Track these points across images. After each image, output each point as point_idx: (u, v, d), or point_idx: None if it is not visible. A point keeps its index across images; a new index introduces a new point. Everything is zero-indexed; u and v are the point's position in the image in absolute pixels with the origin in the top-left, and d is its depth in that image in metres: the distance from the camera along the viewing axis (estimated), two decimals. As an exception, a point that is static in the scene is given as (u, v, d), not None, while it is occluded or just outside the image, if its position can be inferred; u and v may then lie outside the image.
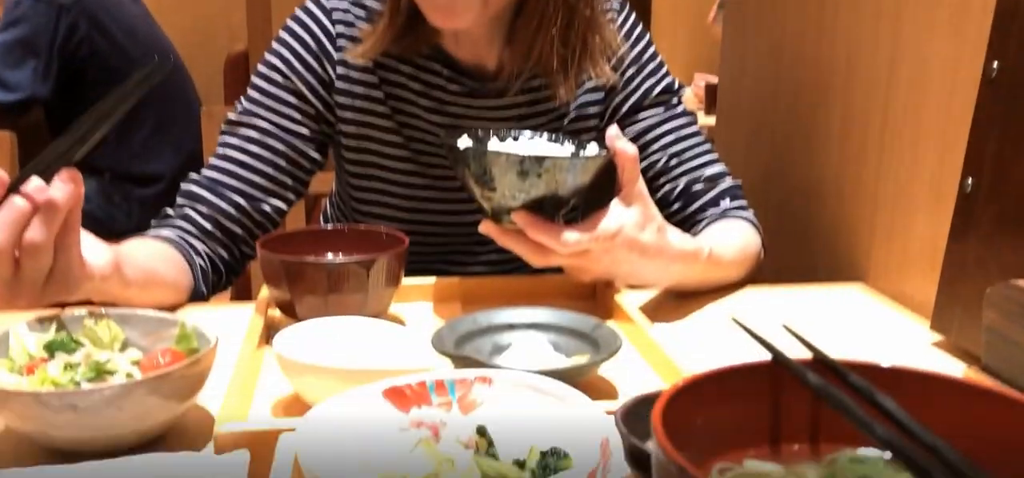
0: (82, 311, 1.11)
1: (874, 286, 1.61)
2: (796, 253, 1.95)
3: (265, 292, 1.32)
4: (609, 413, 0.85)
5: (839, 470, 0.67)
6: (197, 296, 1.50)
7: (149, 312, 1.14)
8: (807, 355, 0.70)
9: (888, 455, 0.66)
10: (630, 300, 1.37)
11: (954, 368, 1.23)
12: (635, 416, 0.86)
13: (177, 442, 0.99)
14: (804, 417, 0.70)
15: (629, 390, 1.10)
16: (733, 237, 1.54)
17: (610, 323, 1.29)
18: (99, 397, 0.92)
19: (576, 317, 1.16)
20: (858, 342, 1.34)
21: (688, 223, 1.59)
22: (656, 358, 1.15)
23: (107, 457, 0.88)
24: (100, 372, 1.01)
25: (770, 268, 1.67)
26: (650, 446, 0.83)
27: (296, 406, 1.03)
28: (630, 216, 1.25)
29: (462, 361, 1.02)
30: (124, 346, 1.10)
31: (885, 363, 0.67)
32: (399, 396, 0.87)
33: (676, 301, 1.49)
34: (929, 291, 1.41)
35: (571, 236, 1.20)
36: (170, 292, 1.42)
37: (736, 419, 0.68)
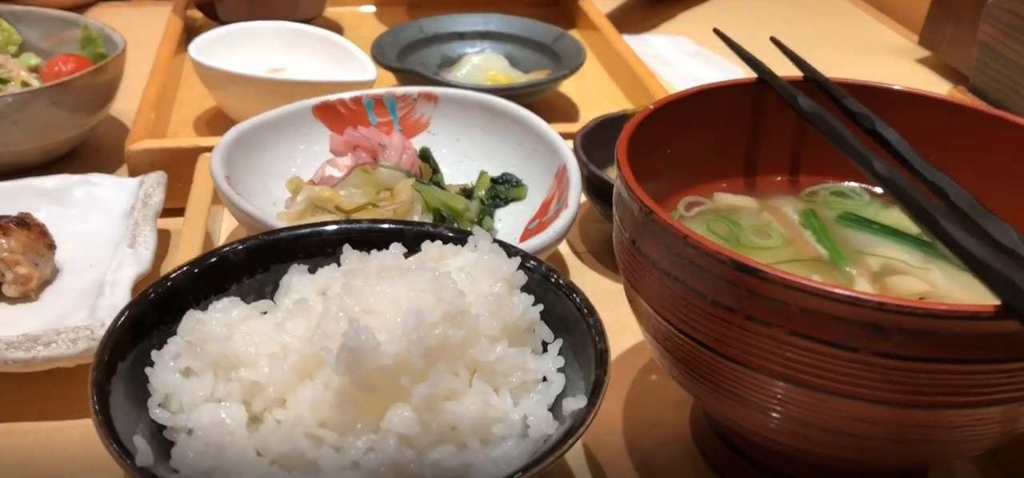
0: (-32, 8, 0.97)
1: (858, -6, 1.49)
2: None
3: (185, -10, 1.16)
4: (567, 136, 0.76)
5: (819, 204, 0.60)
6: (112, -7, 1.34)
7: (47, 10, 0.99)
8: (797, 74, 0.61)
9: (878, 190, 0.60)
10: (597, 6, 1.24)
11: (939, 86, 1.15)
12: (596, 141, 0.78)
13: (87, 161, 0.90)
14: (785, 146, 0.62)
15: (593, 110, 1.01)
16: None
17: (573, 33, 1.18)
18: (-8, 109, 0.81)
19: (535, 26, 1.04)
20: (838, 55, 1.24)
21: None
22: (624, 74, 1.05)
23: (7, 177, 0.79)
24: (-9, 81, 0.89)
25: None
26: (611, 175, 0.76)
27: (219, 121, 0.93)
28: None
29: (406, 75, 0.91)
30: (20, 50, 0.97)
31: (888, 84, 0.58)
32: (332, 114, 0.77)
33: (644, 9, 1.37)
34: (920, 2, 1.29)
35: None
36: (78, -13, 1.26)
37: (709, 148, 0.60)
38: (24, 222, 0.68)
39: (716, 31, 0.66)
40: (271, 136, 0.74)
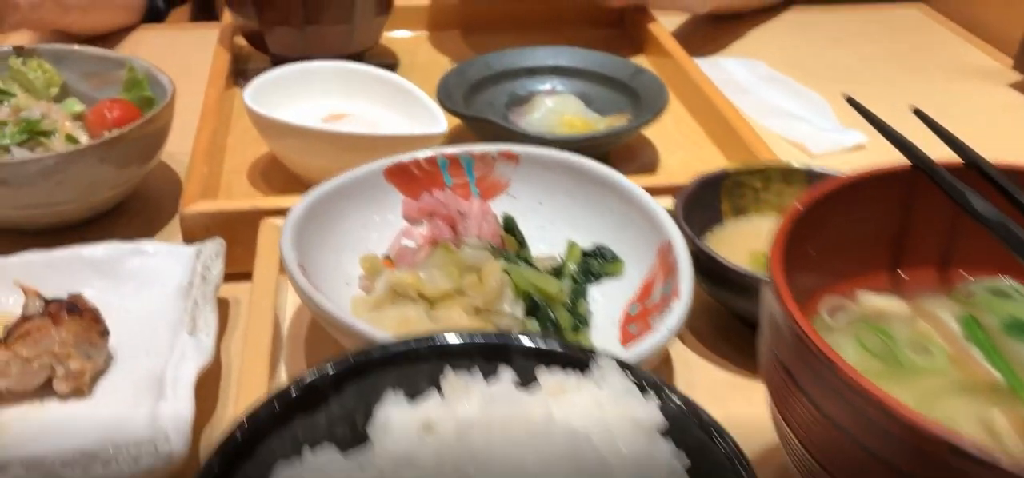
0: (6, 47, 0.91)
1: (939, 9, 1.39)
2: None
3: (230, 17, 1.10)
4: (655, 192, 0.68)
5: (978, 307, 0.52)
6: (151, 14, 1.28)
7: (89, 50, 0.93)
8: (947, 154, 0.53)
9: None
10: (665, 28, 1.16)
11: (1039, 118, 1.06)
12: (698, 204, 0.70)
13: (134, 214, 0.84)
14: (932, 236, 0.54)
15: (674, 154, 0.93)
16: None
17: (642, 59, 1.10)
18: (36, 168, 0.75)
19: (609, 60, 0.96)
20: (925, 82, 1.15)
21: None
22: (704, 109, 0.97)
23: (48, 235, 0.73)
24: (34, 133, 0.83)
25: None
26: (716, 250, 0.68)
27: (274, 172, 0.86)
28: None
29: (478, 125, 0.83)
30: (61, 92, 0.91)
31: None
32: (405, 176, 0.70)
33: (711, 27, 1.29)
34: (1012, 19, 1.20)
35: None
36: (120, 12, 1.20)
37: (852, 240, 0.53)
38: (75, 307, 0.62)
39: (849, 100, 0.58)
40: (342, 205, 0.67)
